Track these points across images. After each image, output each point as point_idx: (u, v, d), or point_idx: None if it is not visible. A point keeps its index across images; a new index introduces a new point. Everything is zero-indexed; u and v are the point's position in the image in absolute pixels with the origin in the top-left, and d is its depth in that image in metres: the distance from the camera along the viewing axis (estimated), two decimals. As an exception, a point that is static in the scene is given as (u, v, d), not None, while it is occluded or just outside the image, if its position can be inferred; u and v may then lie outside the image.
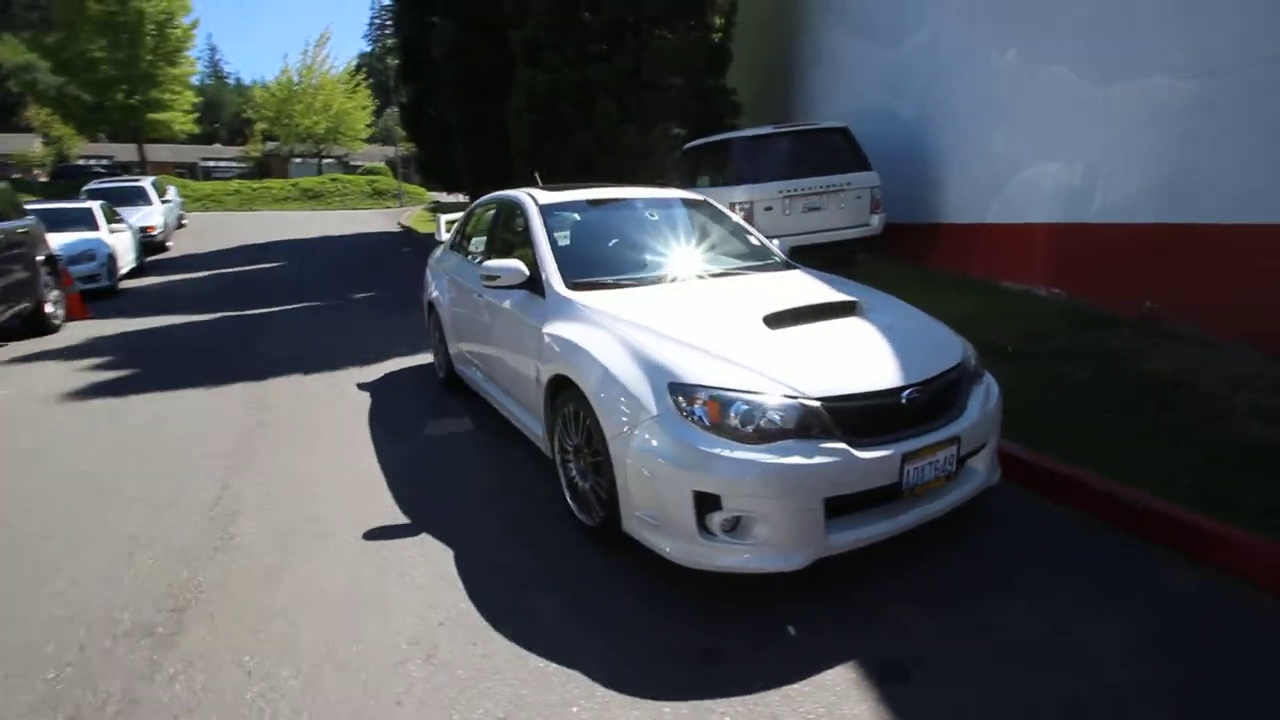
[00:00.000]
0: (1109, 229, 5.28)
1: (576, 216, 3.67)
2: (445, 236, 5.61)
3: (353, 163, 40.07)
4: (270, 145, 38.01)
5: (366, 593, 2.49)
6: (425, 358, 5.89)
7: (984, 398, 2.61)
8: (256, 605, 2.44)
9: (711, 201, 4.24)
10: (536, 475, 3.40)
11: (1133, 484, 2.78)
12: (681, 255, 3.59)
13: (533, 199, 3.78)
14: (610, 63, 10.46)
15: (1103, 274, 5.18)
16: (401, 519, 3.06)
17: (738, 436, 2.17)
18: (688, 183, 9.06)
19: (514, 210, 4.01)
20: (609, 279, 3.21)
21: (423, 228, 20.03)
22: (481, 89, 13.91)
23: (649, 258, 3.58)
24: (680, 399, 2.27)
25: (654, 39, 10.43)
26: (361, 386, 5.26)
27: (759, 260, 3.63)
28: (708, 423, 2.21)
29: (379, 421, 4.37)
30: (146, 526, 3.08)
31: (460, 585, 2.50)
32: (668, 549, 2.26)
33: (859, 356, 2.47)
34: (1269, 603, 2.22)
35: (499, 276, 3.31)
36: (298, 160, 38.46)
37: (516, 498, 3.23)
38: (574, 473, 2.85)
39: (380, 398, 4.91)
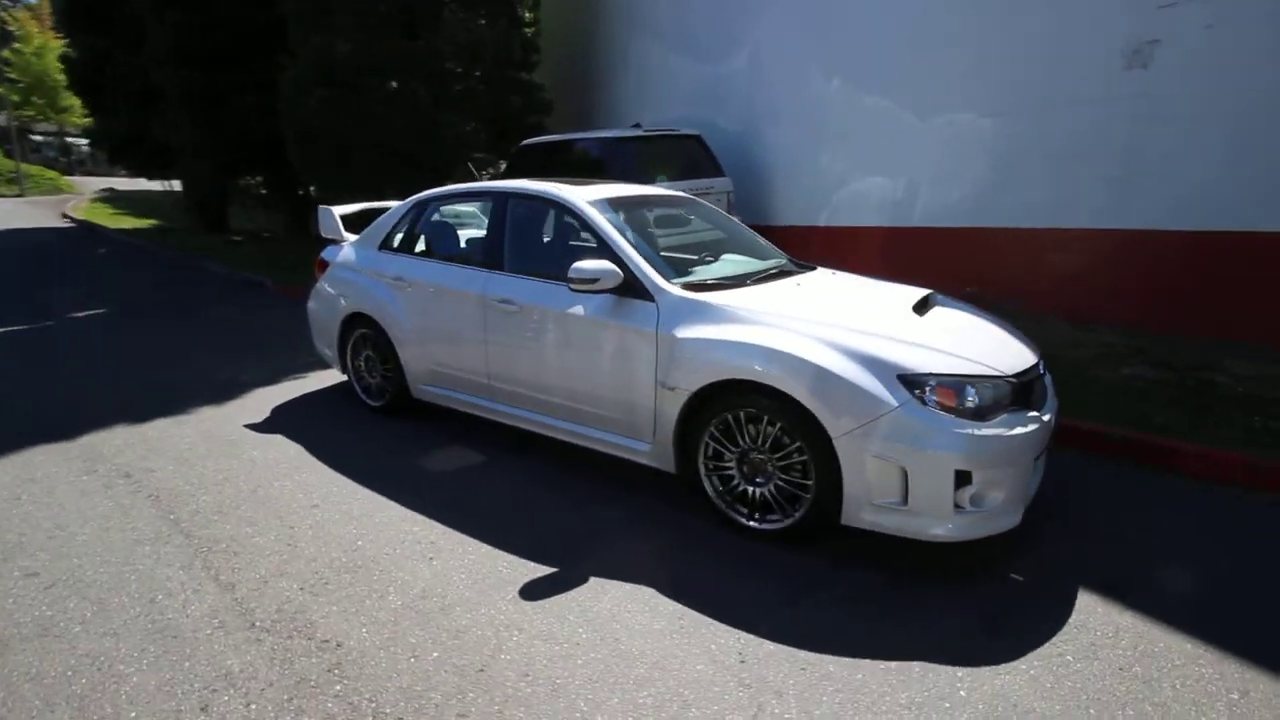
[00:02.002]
0: (931, 231, 6.73)
1: (621, 216, 3.42)
2: (349, 235, 4.61)
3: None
4: None
5: None
6: (298, 383, 4.87)
7: None
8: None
9: (703, 201, 4.30)
10: (658, 499, 3.14)
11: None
12: (735, 254, 3.63)
13: (579, 196, 3.42)
14: (419, 40, 9.46)
15: (928, 267, 6.57)
16: (574, 577, 2.54)
17: (970, 416, 2.40)
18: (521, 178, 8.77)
19: (545, 208, 3.61)
20: (697, 280, 3.12)
21: (109, 221, 15.46)
22: (217, 52, 11.25)
23: (709, 257, 3.54)
24: (913, 388, 2.42)
25: (468, 20, 9.74)
26: (255, 427, 4.06)
27: (784, 256, 3.83)
28: (945, 406, 2.40)
29: (343, 470, 3.45)
30: None
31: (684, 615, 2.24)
32: (936, 530, 2.39)
33: (994, 339, 2.87)
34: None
35: (597, 280, 2.94)
36: None
37: (647, 525, 2.95)
38: (738, 482, 2.76)
39: (302, 438, 3.86)
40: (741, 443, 2.70)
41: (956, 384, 2.42)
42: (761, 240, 4.02)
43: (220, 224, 14.36)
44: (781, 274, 3.39)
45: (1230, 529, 2.89)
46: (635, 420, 3.04)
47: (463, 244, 4.12)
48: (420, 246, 4.07)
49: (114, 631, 2.23)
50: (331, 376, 5.13)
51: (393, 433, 3.99)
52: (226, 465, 3.55)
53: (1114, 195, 5.37)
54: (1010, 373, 2.55)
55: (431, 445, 3.79)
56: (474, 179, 8.06)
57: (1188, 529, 2.88)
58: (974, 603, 2.37)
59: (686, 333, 2.81)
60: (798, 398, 2.49)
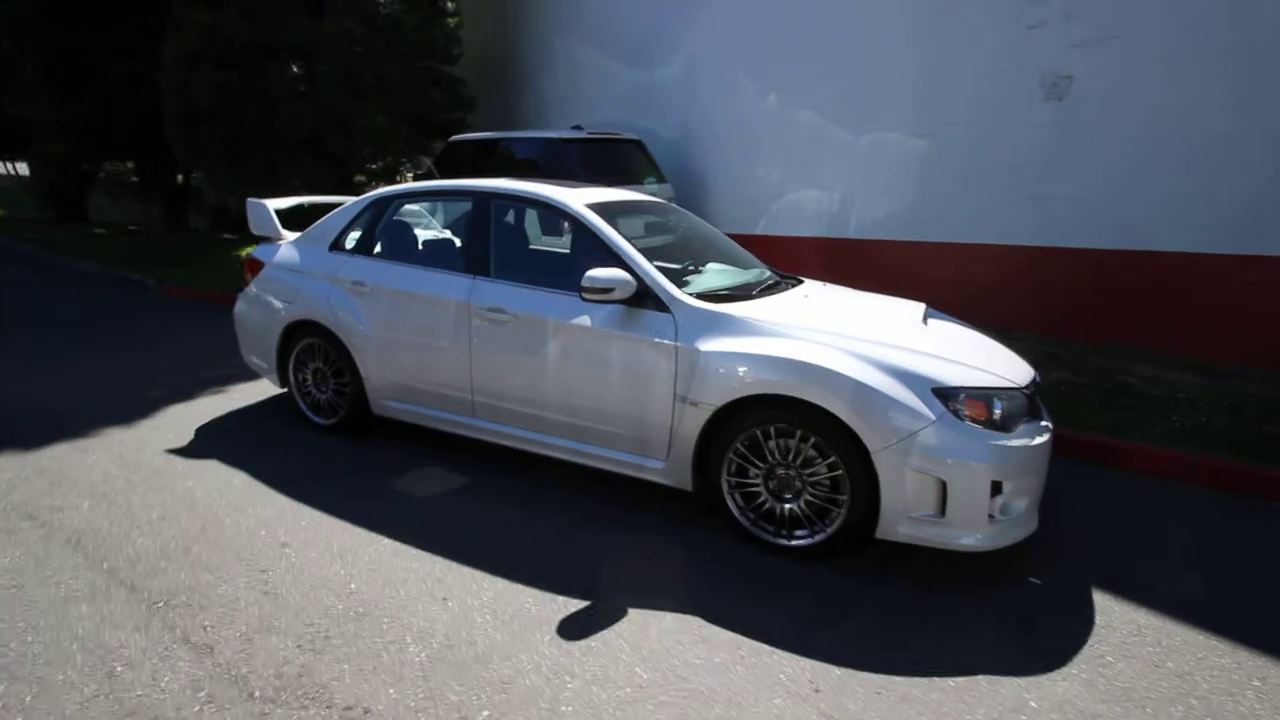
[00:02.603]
0: (865, 243, 7.05)
1: (617, 222, 3.25)
2: (287, 233, 4.10)
3: None
4: None
5: None
6: (220, 399, 4.36)
7: None
8: None
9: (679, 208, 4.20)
10: (677, 521, 2.99)
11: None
12: (717, 262, 3.55)
13: (576, 200, 3.23)
14: (324, 21, 8.70)
15: (862, 276, 6.89)
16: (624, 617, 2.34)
17: (998, 427, 2.47)
18: (450, 177, 8.31)
19: (535, 212, 3.39)
20: (705, 290, 3.02)
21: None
22: (80, 9, 9.75)
23: (693, 266, 3.45)
24: (947, 401, 2.45)
25: (385, 2, 9.10)
26: (180, 452, 3.51)
27: (764, 265, 3.81)
28: (975, 419, 2.45)
29: (306, 501, 3.04)
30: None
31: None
32: (967, 540, 2.42)
33: (997, 351, 2.98)
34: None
35: (612, 289, 2.77)
36: None
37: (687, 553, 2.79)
38: (765, 499, 2.68)
39: (244, 464, 3.38)
40: (770, 458, 2.65)
41: (985, 396, 2.49)
42: (740, 249, 4.00)
43: (77, 214, 12.56)
44: (782, 285, 3.38)
45: (1191, 520, 3.18)
46: (647, 437, 2.90)
47: (430, 247, 3.79)
48: (381, 248, 3.70)
49: (70, 718, 1.80)
50: (260, 390, 4.56)
51: (352, 455, 3.58)
52: (159, 500, 3.02)
53: (1031, 215, 5.86)
54: (1023, 384, 2.67)
55: (400, 467, 3.44)
56: (432, 178, 7.54)
57: (1152, 522, 3.14)
58: (1004, 609, 2.45)
59: (711, 346, 2.72)
60: (836, 413, 2.47)
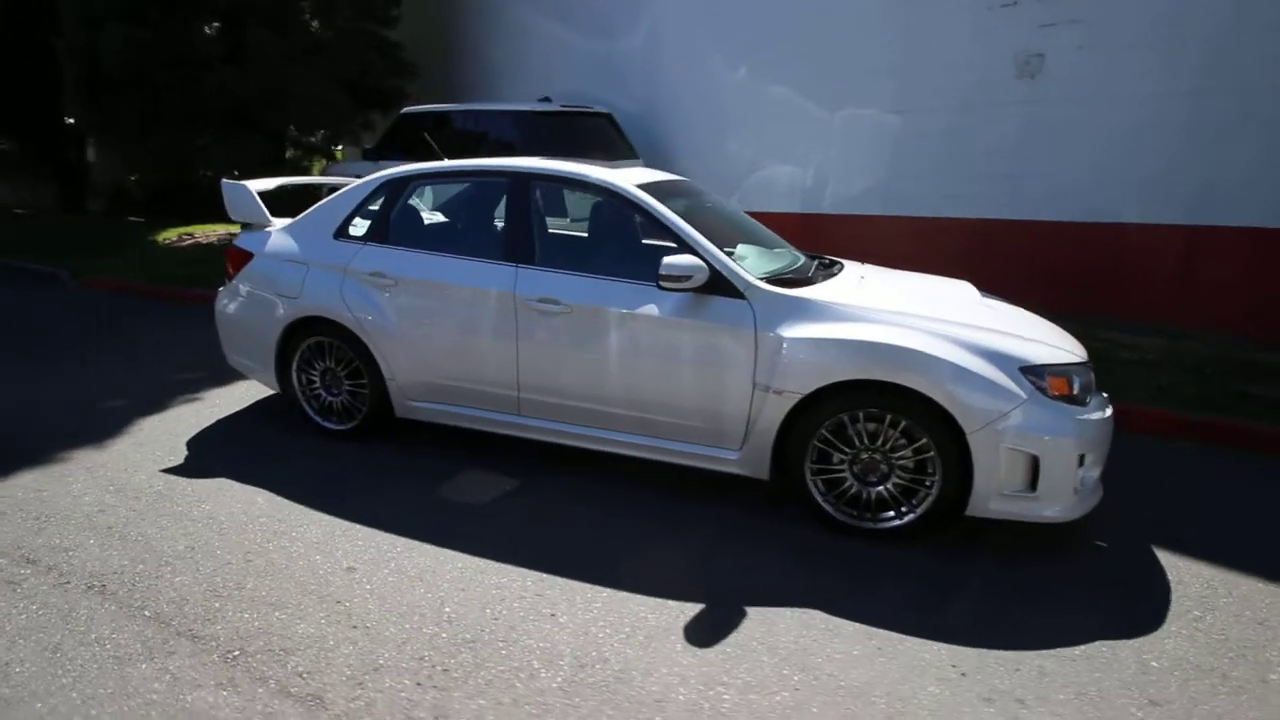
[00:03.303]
0: (839, 219, 7.15)
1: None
2: (276, 221, 3.67)
3: None
4: None
5: None
6: (198, 407, 3.97)
7: None
8: None
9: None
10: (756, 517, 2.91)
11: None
12: (747, 243, 3.47)
13: (626, 180, 3.05)
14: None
15: (835, 251, 7.02)
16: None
17: (1077, 402, 2.56)
18: (401, 154, 7.77)
19: (580, 194, 3.20)
20: (770, 273, 2.94)
21: None
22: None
23: (736, 249, 3.35)
24: (1034, 379, 2.50)
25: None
26: (179, 471, 3.13)
27: (789, 244, 3.76)
28: (1058, 395, 2.52)
29: (351, 517, 2.78)
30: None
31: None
32: (1050, 512, 2.50)
33: (1051, 327, 3.03)
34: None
35: (690, 276, 2.65)
36: None
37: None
38: (850, 484, 2.67)
39: (259, 479, 3.05)
40: (857, 443, 2.64)
41: (1065, 372, 2.57)
42: (763, 227, 3.94)
43: (-61, 195, 10.90)
44: (833, 267, 3.34)
45: (1201, 475, 3.44)
46: (721, 427, 2.82)
47: (458, 233, 3.49)
48: (399, 235, 3.37)
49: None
50: (241, 394, 4.14)
51: (377, 462, 3.30)
52: (179, 529, 2.67)
53: (1003, 189, 6.13)
54: (1086, 359, 2.78)
55: (438, 473, 3.20)
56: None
57: (1169, 479, 3.37)
58: (1088, 574, 2.56)
59: (795, 332, 2.65)
60: (933, 395, 2.47)
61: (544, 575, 2.44)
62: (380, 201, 3.42)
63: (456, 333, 3.17)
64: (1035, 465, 2.47)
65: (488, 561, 2.51)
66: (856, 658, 2.08)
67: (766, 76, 7.29)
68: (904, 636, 2.17)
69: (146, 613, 2.18)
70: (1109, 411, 2.66)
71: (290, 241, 3.53)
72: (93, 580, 2.34)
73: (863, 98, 6.69)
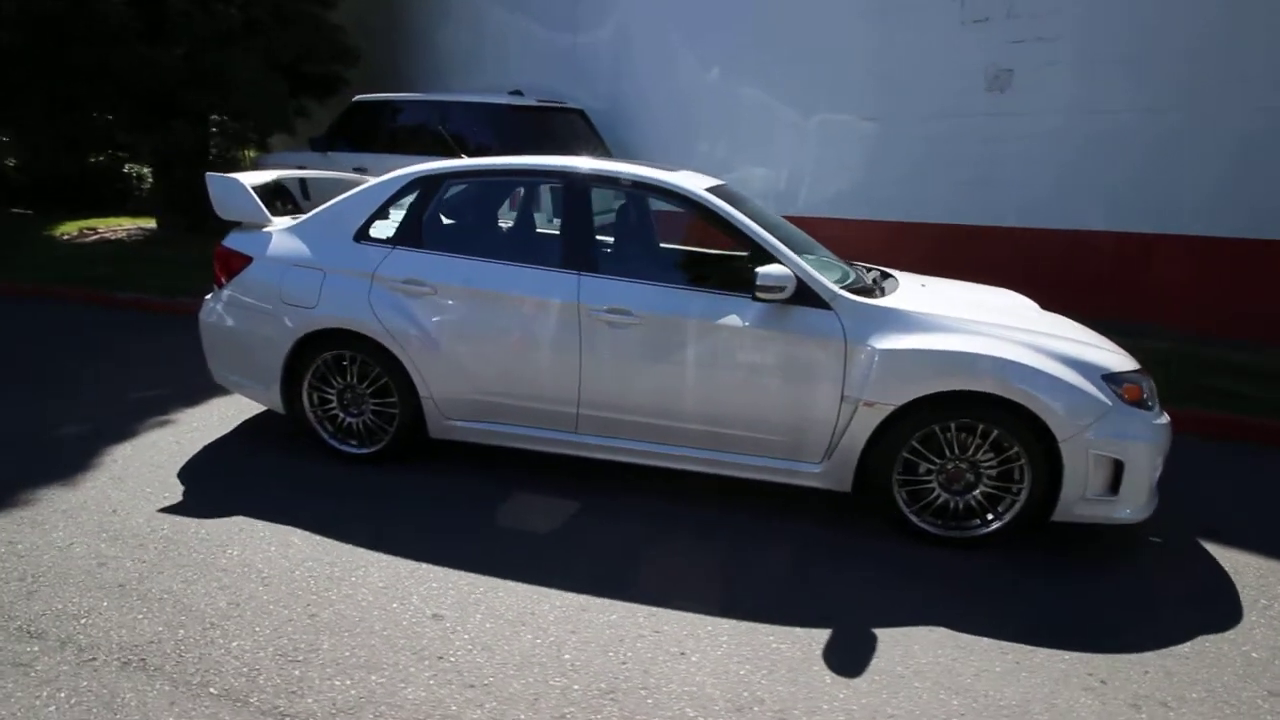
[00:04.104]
0: (813, 221, 7.26)
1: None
2: (276, 220, 3.24)
3: None
4: None
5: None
6: (173, 432, 3.56)
7: None
8: None
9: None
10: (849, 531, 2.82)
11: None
12: (808, 251, 3.40)
13: (695, 185, 2.92)
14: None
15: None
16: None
17: (1147, 407, 2.66)
18: (353, 145, 7.22)
19: (643, 197, 3.04)
20: (850, 284, 2.89)
21: None
22: None
23: (815, 257, 3.25)
24: (1114, 387, 2.57)
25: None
26: (181, 510, 2.71)
27: (822, 248, 3.72)
28: (1132, 401, 2.61)
29: (410, 554, 2.51)
30: None
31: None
32: (1124, 514, 2.58)
33: (1100, 336, 3.12)
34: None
35: (784, 288, 2.55)
36: None
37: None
38: (937, 493, 2.66)
39: (281, 514, 2.70)
40: (947, 453, 2.63)
41: (1137, 380, 2.67)
42: (799, 232, 3.90)
43: None
44: (887, 275, 3.33)
45: (1206, 467, 3.61)
46: (803, 440, 2.74)
47: (504, 237, 3.21)
48: (435, 239, 3.06)
49: None
50: (222, 414, 3.67)
51: (414, 489, 2.98)
52: (211, 582, 2.28)
53: (972, 196, 6.42)
54: (1140, 367, 2.91)
55: (488, 497, 2.94)
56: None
57: (1178, 471, 3.59)
58: (1158, 572, 2.68)
59: (888, 343, 2.61)
60: (1028, 405, 2.49)
61: (653, 609, 2.27)
62: (410, 201, 3.09)
63: (510, 346, 2.91)
64: (1118, 470, 2.56)
65: (587, 597, 2.31)
66: (1001, 675, 2.06)
67: (741, 79, 7.30)
68: (1032, 648, 2.18)
69: (212, 690, 1.84)
70: (1167, 416, 2.80)
71: (298, 244, 3.13)
72: (126, 654, 1.95)
73: (838, 103, 6.83)
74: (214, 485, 2.97)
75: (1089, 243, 5.97)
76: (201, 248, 8.11)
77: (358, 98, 7.35)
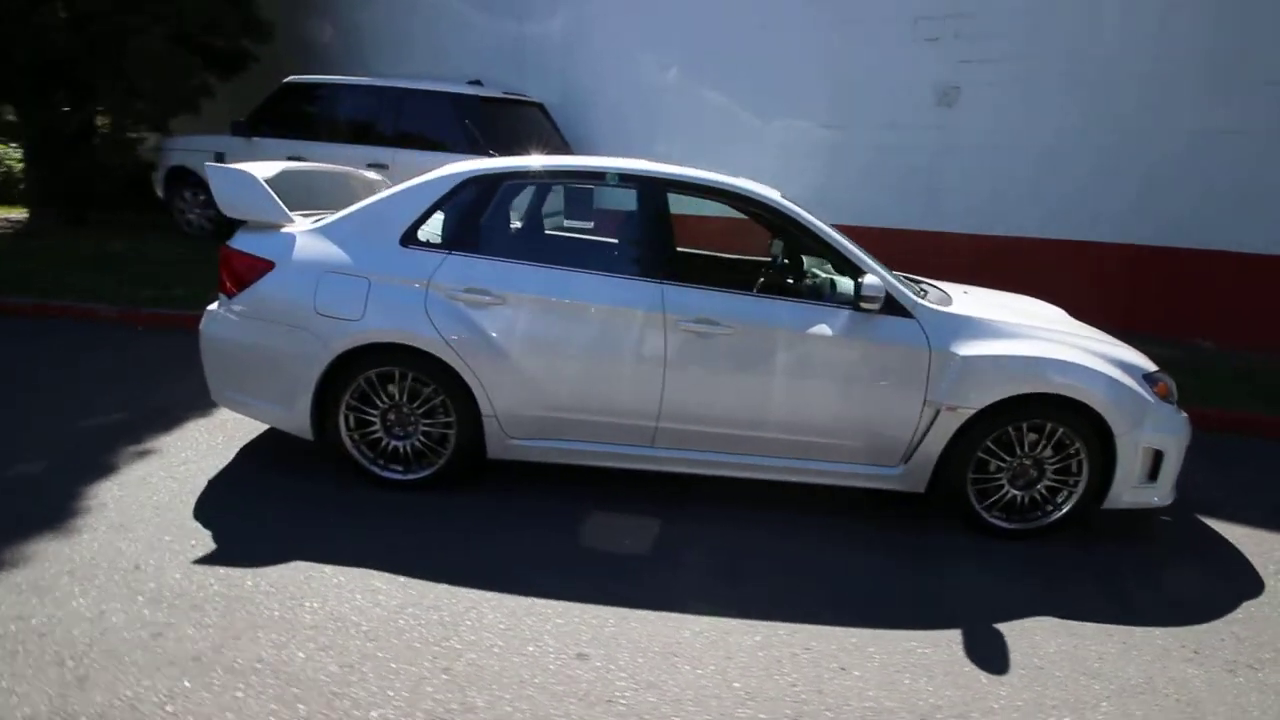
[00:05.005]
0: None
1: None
2: (298, 218, 2.83)
3: None
4: None
5: None
6: (160, 464, 3.11)
7: None
8: None
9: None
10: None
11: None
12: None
13: (775, 194, 2.97)
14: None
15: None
16: None
17: (1174, 403, 2.96)
18: (282, 131, 6.53)
19: (720, 203, 3.03)
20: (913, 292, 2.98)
21: None
22: None
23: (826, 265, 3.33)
24: (1150, 385, 2.84)
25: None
26: (224, 559, 2.36)
27: None
28: (1163, 398, 2.89)
29: (514, 588, 2.33)
30: None
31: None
32: (1159, 500, 2.86)
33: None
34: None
35: (880, 299, 2.60)
36: None
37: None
38: (1006, 490, 2.82)
39: (345, 555, 2.43)
40: (1018, 451, 2.80)
41: (1164, 379, 2.97)
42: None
43: None
44: (921, 282, 3.43)
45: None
46: (884, 445, 2.81)
47: (571, 244, 3.02)
48: (495, 244, 2.81)
49: None
50: (210, 440, 3.22)
51: (484, 514, 2.76)
52: (306, 643, 1.97)
53: (921, 203, 6.88)
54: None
55: (563, 518, 2.78)
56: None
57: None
58: (1190, 551, 2.98)
59: (968, 350, 2.72)
60: (1092, 404, 2.70)
61: (792, 625, 2.23)
62: (464, 203, 2.81)
63: (589, 359, 2.74)
64: (1158, 460, 2.85)
65: (721, 619, 2.24)
66: (1117, 656, 2.23)
67: (701, 80, 7.35)
68: (1127, 628, 2.37)
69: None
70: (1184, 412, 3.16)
71: (333, 248, 2.76)
72: (255, 739, 1.65)
73: (797, 109, 7.06)
74: (244, 527, 2.57)
75: (1017, 248, 6.59)
76: (92, 241, 7.01)
77: (290, 79, 6.63)
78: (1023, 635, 2.28)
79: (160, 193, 7.24)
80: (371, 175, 3.87)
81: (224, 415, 3.46)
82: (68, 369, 4.06)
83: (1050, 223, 6.45)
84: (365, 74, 7.62)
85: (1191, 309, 6.16)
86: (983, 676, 2.08)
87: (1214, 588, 2.68)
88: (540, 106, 7.07)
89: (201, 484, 2.84)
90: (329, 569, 2.33)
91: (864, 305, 2.63)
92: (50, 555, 2.29)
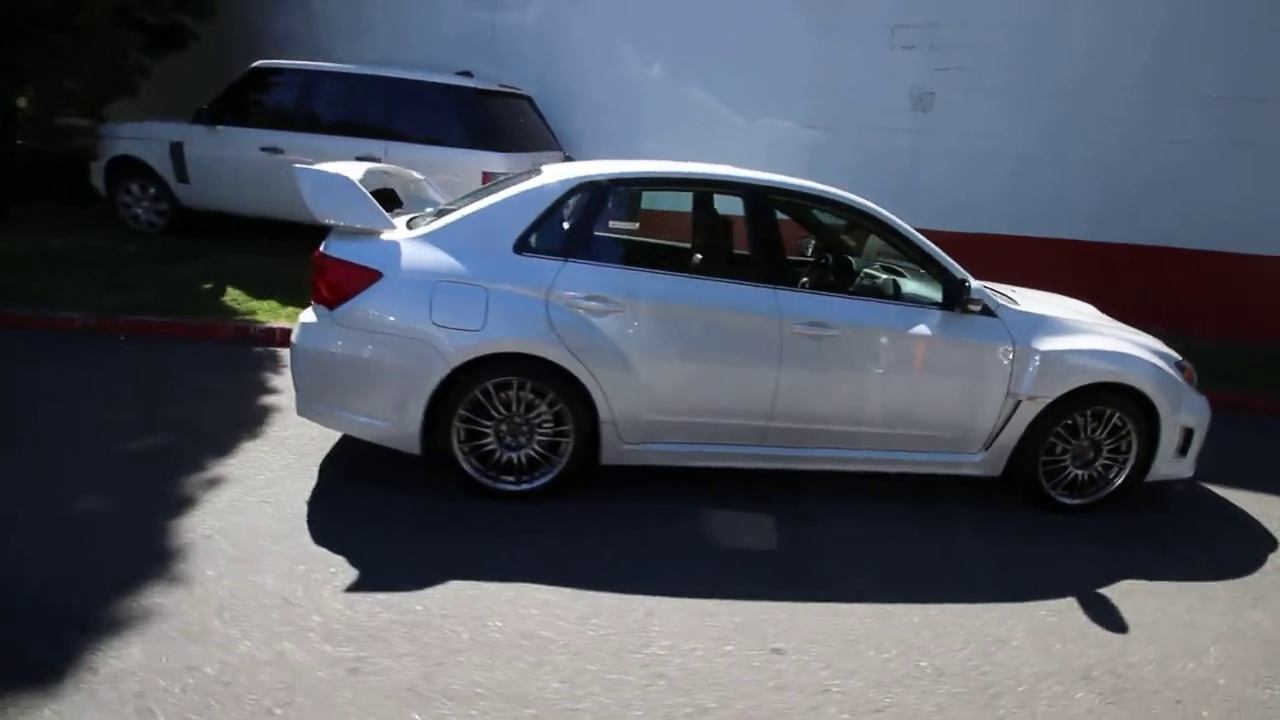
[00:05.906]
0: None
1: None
2: (402, 223, 2.68)
3: None
4: None
5: None
6: (243, 494, 2.96)
7: None
8: None
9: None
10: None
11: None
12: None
13: (870, 202, 3.08)
14: None
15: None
16: None
17: (1195, 386, 3.38)
18: (251, 120, 6.05)
19: (818, 211, 3.21)
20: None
21: None
22: None
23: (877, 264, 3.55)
24: (1180, 371, 3.23)
25: None
26: (362, 587, 2.31)
27: None
28: (1189, 382, 3.30)
29: (678, 590, 2.40)
30: None
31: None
32: (1186, 472, 3.27)
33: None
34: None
35: (981, 301, 2.82)
36: None
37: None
38: (1069, 470, 3.13)
39: (511, 570, 2.44)
40: (1084, 436, 3.12)
41: (1187, 366, 3.39)
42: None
43: None
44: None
45: None
46: (968, 435, 3.06)
47: (677, 251, 3.03)
48: (604, 250, 2.79)
49: None
50: (283, 459, 3.04)
51: (587, 517, 2.78)
52: (515, 662, 1.95)
53: (899, 202, 7.25)
54: (1175, 353, 3.69)
55: (680, 519, 2.84)
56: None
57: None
58: (1212, 519, 3.37)
59: (1044, 345, 3.00)
60: (1144, 390, 3.05)
61: (939, 605, 2.41)
62: (576, 209, 2.78)
63: (708, 363, 2.80)
64: (1188, 437, 3.26)
65: (876, 605, 2.39)
66: (1203, 609, 2.56)
67: (686, 78, 7.43)
68: (1198, 583, 2.73)
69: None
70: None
71: (444, 257, 2.65)
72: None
73: (781, 110, 7.29)
74: (372, 548, 2.45)
75: (977, 244, 7.14)
76: (27, 241, 6.18)
77: (260, 63, 6.11)
78: (1126, 597, 2.59)
79: (100, 185, 6.48)
80: (414, 174, 3.72)
81: (274, 430, 3.27)
82: (68, 387, 3.63)
83: (1020, 221, 7.03)
84: (324, 59, 7.15)
85: (1151, 301, 6.95)
86: (1114, 637, 2.35)
87: (1239, 544, 3.11)
88: (530, 99, 6.90)
89: (301, 507, 2.67)
90: (491, 586, 2.29)
91: (969, 308, 2.84)
92: (182, 598, 2.11)
